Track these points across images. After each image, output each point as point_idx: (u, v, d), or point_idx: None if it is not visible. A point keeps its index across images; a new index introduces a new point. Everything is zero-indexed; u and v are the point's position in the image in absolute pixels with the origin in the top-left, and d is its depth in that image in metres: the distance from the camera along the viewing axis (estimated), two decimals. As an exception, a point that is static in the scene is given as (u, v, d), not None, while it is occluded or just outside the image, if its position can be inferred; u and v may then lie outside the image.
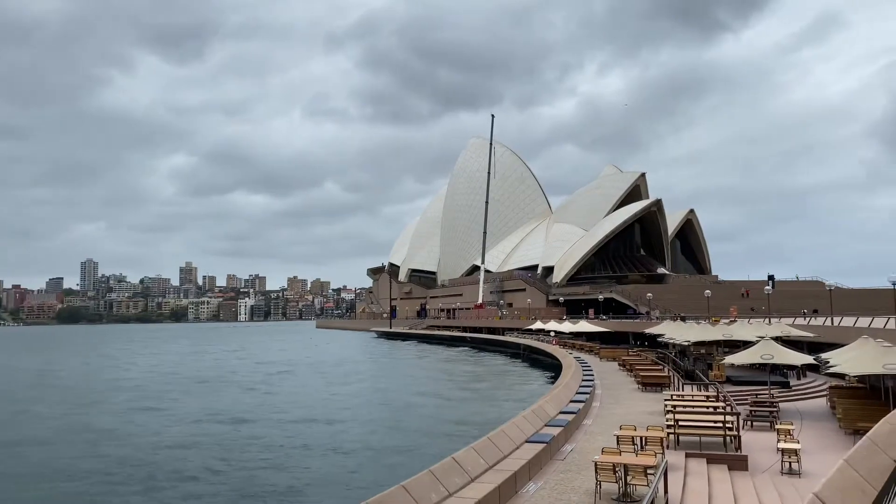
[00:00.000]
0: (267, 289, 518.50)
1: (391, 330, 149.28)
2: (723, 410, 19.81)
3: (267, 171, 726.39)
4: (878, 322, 37.78)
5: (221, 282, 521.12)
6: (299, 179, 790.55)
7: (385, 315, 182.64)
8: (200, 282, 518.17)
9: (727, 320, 49.67)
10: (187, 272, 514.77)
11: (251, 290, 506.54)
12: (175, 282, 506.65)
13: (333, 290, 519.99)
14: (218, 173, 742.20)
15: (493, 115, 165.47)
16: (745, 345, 32.37)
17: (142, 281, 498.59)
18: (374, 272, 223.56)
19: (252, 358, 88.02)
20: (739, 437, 17.95)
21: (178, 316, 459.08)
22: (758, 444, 19.32)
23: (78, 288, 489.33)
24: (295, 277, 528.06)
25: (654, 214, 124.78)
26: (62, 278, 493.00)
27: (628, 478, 13.38)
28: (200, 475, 22.90)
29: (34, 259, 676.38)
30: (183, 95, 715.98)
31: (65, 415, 37.57)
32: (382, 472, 21.71)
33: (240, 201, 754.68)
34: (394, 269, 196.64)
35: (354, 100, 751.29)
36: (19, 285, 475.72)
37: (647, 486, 12.57)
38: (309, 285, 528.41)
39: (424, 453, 23.67)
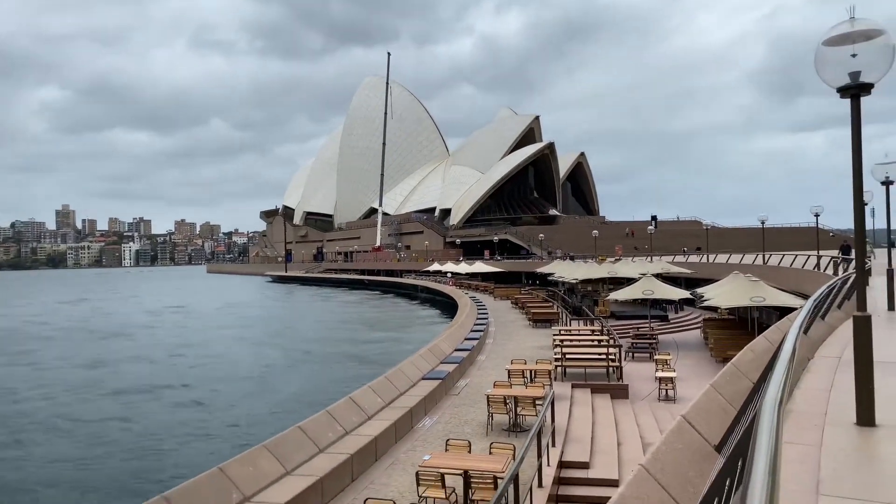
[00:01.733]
0: (153, 233, 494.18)
1: (287, 274, 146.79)
2: (606, 343, 20.99)
3: (148, 107, 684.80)
4: (749, 259, 40.86)
5: (103, 226, 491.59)
6: (184, 117, 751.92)
7: (280, 259, 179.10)
8: (80, 226, 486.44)
9: (612, 259, 52.24)
10: (64, 216, 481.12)
11: (136, 235, 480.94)
12: (51, 226, 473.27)
13: (224, 233, 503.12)
14: (94, 109, 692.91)
15: (388, 53, 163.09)
16: (629, 282, 34.25)
17: (12, 225, 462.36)
18: (268, 215, 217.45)
19: (141, 304, 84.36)
20: (621, 367, 19.13)
21: (56, 262, 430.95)
22: (638, 373, 20.70)
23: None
24: (183, 221, 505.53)
25: (547, 157, 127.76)
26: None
27: (518, 409, 14.02)
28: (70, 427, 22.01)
29: None
30: (50, 21, 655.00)
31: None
32: (281, 418, 21.64)
33: (119, 139, 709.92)
34: (288, 212, 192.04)
35: (244, 32, 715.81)
36: None
37: (536, 415, 13.24)
38: (198, 229, 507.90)
39: (323, 397, 23.75)
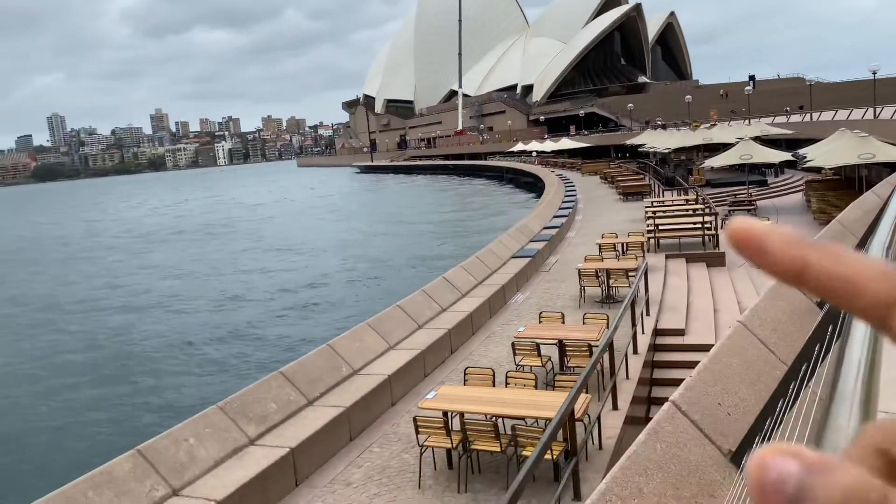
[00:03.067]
0: (242, 130, 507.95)
1: (373, 164, 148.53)
2: (702, 212, 20.42)
3: (222, 3, 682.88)
4: (857, 114, 37.87)
5: (195, 127, 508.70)
6: (258, 9, 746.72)
7: (366, 149, 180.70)
8: (174, 128, 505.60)
9: (707, 125, 49.61)
10: (158, 119, 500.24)
11: (226, 133, 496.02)
12: (148, 130, 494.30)
13: (310, 127, 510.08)
14: (172, 9, 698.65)
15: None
16: (725, 147, 32.65)
17: (113, 132, 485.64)
18: (350, 105, 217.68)
19: (251, 198, 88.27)
20: (717, 236, 18.65)
21: (157, 165, 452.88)
22: (734, 241, 20.13)
23: (49, 144, 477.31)
24: (269, 117, 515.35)
25: (633, 21, 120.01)
26: (31, 135, 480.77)
27: (610, 281, 14.08)
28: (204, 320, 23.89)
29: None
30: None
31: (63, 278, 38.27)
32: (386, 296, 22.71)
33: (200, 40, 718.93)
34: (369, 101, 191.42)
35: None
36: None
37: (629, 287, 13.28)
38: (285, 124, 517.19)
39: (417, 277, 24.62)
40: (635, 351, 10.54)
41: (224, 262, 35.57)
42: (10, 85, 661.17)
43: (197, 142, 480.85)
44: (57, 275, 36.23)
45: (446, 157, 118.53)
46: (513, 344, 10.11)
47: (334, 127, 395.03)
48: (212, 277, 31.16)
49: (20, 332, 23.59)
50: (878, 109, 36.76)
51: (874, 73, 43.02)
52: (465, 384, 8.96)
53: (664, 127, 57.99)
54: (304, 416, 8.34)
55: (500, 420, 7.40)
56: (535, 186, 52.85)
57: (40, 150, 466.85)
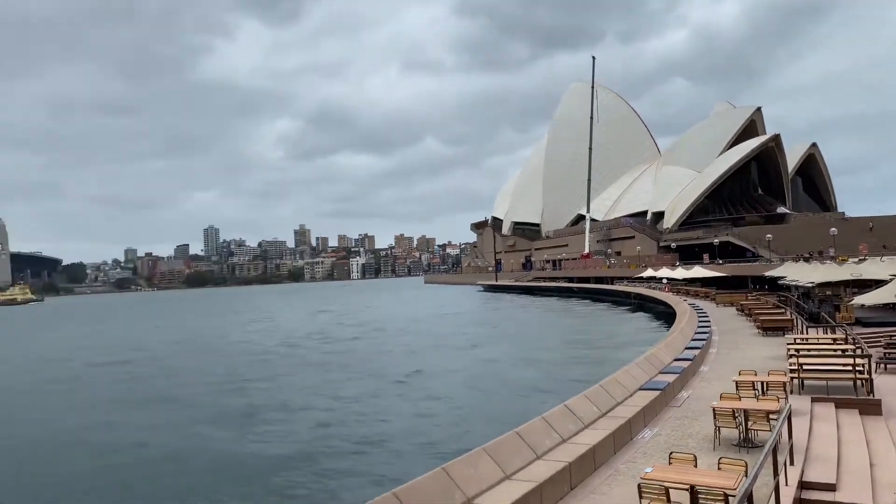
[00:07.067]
0: (376, 247, 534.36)
1: (497, 283, 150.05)
2: (852, 353, 18.68)
3: (368, 131, 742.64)
4: None
5: (333, 242, 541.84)
6: (400, 137, 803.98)
7: (490, 269, 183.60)
8: (314, 243, 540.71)
9: (856, 259, 46.35)
10: (301, 234, 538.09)
11: (361, 249, 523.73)
12: (291, 244, 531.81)
13: (439, 245, 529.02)
14: (321, 136, 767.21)
15: (593, 57, 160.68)
16: (878, 284, 30.20)
17: (259, 244, 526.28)
18: (478, 226, 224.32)
19: (378, 312, 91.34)
20: (871, 380, 16.90)
21: (296, 276, 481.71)
22: (892, 387, 18.16)
23: (202, 253, 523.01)
24: (402, 235, 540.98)
25: (771, 151, 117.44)
26: (188, 245, 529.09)
27: (749, 423, 12.96)
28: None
29: (161, 228, 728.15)
30: (282, 59, 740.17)
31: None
32: (495, 426, 22.17)
33: (344, 163, 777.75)
34: (497, 223, 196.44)
35: (450, 49, 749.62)
36: (151, 253, 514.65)
37: (770, 430, 12.14)
38: (415, 242, 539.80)
39: (536, 402, 23.89)
40: (778, 505, 9.46)
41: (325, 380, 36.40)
42: (175, 199, 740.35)
43: (334, 256, 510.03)
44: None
45: (571, 279, 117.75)
46: (639, 486, 9.39)
47: (462, 246, 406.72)
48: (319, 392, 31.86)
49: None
50: None
51: None
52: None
53: (807, 259, 54.85)
54: (414, 543, 8.03)
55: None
56: (664, 314, 50.89)
57: (195, 259, 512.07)
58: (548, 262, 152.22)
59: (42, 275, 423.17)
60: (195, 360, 46.79)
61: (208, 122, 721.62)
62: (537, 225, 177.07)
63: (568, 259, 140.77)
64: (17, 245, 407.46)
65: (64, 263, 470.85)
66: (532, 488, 9.98)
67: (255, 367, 40.38)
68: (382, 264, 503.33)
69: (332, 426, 23.76)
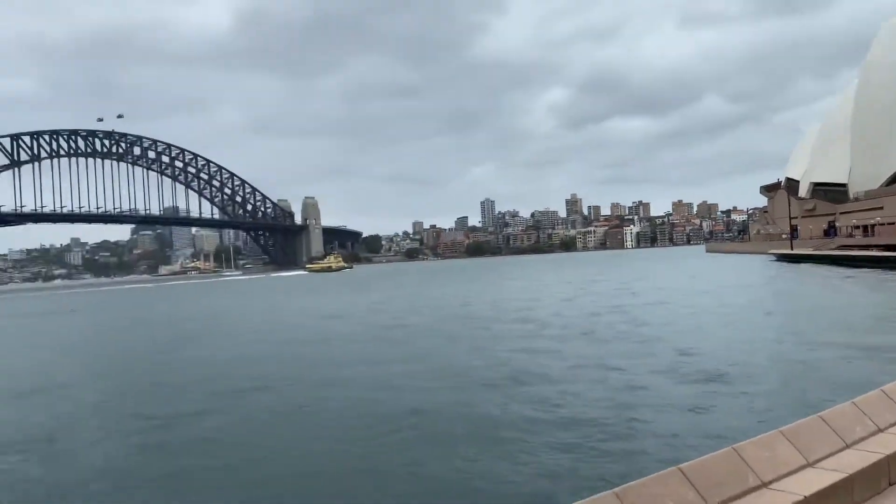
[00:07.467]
0: (651, 214, 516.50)
1: (793, 252, 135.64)
2: None
3: (642, 92, 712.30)
4: None
5: (605, 211, 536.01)
6: (676, 97, 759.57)
7: (784, 236, 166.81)
8: (585, 212, 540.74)
9: None
10: (572, 203, 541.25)
11: (635, 217, 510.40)
12: (562, 213, 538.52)
13: (722, 211, 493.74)
14: (593, 102, 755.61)
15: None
16: None
17: (532, 215, 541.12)
18: (769, 189, 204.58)
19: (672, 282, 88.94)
20: None
21: (567, 246, 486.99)
22: None
23: (479, 224, 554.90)
24: (680, 201, 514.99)
25: None
26: (467, 217, 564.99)
27: None
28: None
29: (443, 201, 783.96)
30: (553, 28, 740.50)
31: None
32: (797, 403, 20.19)
33: (616, 127, 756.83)
34: (792, 185, 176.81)
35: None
36: (435, 225, 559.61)
37: None
38: (695, 209, 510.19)
39: (839, 385, 21.23)
40: None
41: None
42: (453, 174, 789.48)
43: (606, 224, 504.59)
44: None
45: (888, 247, 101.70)
46: (984, 491, 7.87)
47: (749, 212, 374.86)
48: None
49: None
50: None
51: None
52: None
53: None
54: (701, 522, 7.69)
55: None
56: None
57: (473, 230, 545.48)
58: (857, 227, 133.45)
59: (347, 246, 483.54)
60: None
61: (483, 97, 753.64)
62: (843, 185, 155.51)
63: (884, 224, 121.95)
64: (325, 220, 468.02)
65: (363, 236, 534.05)
66: (840, 479, 8.90)
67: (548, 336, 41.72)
68: (658, 232, 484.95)
69: (603, 402, 23.67)
